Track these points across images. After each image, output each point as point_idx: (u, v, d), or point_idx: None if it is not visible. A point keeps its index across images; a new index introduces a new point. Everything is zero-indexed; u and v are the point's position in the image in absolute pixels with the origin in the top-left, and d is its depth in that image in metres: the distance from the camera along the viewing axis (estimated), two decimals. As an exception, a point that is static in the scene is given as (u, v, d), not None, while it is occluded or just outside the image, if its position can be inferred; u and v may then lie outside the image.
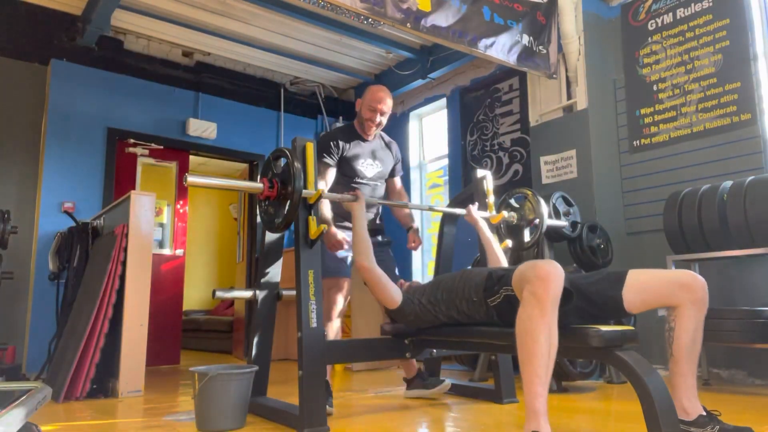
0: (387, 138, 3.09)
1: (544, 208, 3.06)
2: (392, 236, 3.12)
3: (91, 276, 3.50)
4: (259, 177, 2.34)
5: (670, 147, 3.70)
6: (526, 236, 3.14)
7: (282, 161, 2.31)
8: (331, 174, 2.78)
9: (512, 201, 3.21)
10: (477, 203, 2.86)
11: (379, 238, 2.94)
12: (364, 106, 2.85)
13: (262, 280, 2.63)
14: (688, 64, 3.67)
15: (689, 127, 3.63)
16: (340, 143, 2.80)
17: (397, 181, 3.11)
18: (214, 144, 5.48)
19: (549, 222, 3.16)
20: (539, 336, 1.56)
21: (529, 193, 3.13)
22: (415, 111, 5.93)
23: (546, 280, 1.59)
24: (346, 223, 2.74)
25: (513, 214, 3.11)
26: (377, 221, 2.98)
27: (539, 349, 1.56)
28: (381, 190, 3.00)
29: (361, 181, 2.86)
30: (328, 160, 2.76)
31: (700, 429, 1.69)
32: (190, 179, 2.03)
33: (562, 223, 3.38)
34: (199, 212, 8.47)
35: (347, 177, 2.83)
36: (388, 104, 2.86)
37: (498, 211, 3.04)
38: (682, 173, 3.60)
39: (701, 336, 1.77)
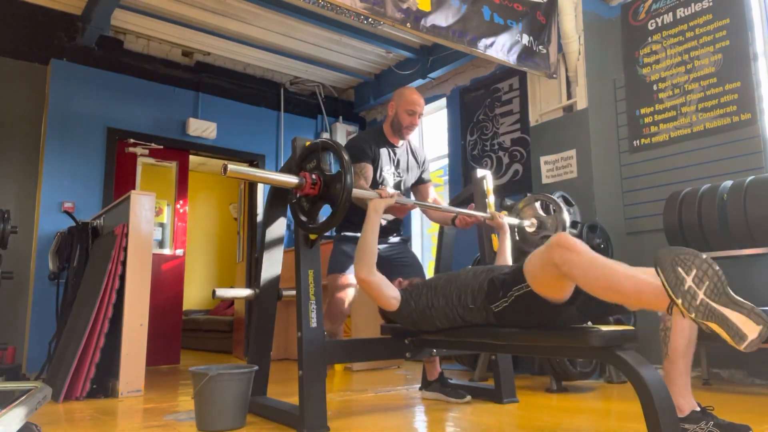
0: (414, 145, 3.02)
1: (567, 219, 2.84)
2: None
3: (91, 276, 3.50)
4: (295, 167, 2.16)
5: (670, 147, 3.70)
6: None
7: (327, 155, 2.11)
8: (370, 172, 2.70)
9: (537, 206, 2.99)
10: (505, 212, 2.82)
11: (397, 237, 2.91)
12: (402, 111, 2.79)
13: (262, 280, 2.62)
14: (688, 63, 3.67)
15: (689, 126, 3.63)
16: (372, 147, 2.75)
17: (429, 188, 3.02)
18: (214, 144, 5.48)
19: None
20: (597, 262, 1.51)
21: (557, 203, 2.90)
22: (415, 111, 5.93)
23: (565, 240, 1.56)
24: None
25: (533, 221, 2.92)
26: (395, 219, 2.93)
27: (599, 260, 1.51)
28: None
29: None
30: (366, 159, 2.71)
31: (693, 425, 1.70)
32: (231, 168, 1.86)
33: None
34: (199, 212, 8.47)
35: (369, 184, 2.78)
36: (423, 104, 2.84)
37: (518, 210, 2.98)
38: (682, 173, 3.60)
39: (696, 336, 1.78)
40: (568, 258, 1.54)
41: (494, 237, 2.84)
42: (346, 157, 1.99)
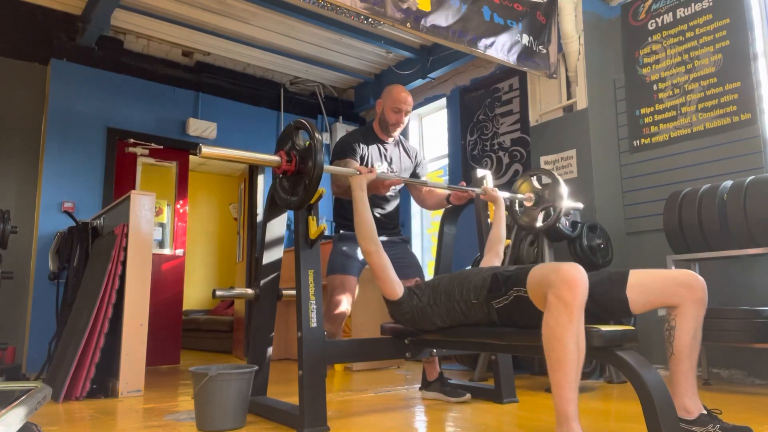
0: (407, 143, 3.04)
1: (564, 190, 2.91)
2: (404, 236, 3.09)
3: (91, 276, 3.50)
4: (275, 149, 2.22)
5: (670, 147, 3.70)
6: (539, 221, 3.10)
7: (302, 134, 2.17)
8: (354, 167, 2.69)
9: (533, 180, 3.07)
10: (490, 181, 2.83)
11: (396, 236, 2.91)
12: (387, 108, 2.81)
13: (262, 280, 2.62)
14: (688, 63, 3.67)
15: (689, 127, 3.63)
16: (361, 144, 2.76)
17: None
18: (214, 144, 5.48)
19: (568, 204, 3.07)
20: (568, 343, 1.53)
21: (550, 174, 3.00)
22: (415, 111, 5.93)
23: (573, 285, 1.55)
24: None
25: (530, 195, 2.99)
26: (393, 218, 2.92)
27: (569, 356, 1.53)
28: (396, 198, 2.95)
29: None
30: (351, 155, 2.72)
31: (702, 428, 1.70)
32: (205, 150, 1.94)
33: (578, 205, 3.42)
34: (199, 212, 8.46)
35: None
36: (410, 102, 2.85)
37: (515, 190, 3.02)
38: (682, 173, 3.60)
39: (701, 335, 1.77)
40: (563, 297, 1.55)
41: (491, 207, 2.84)
42: (315, 132, 2.06)
